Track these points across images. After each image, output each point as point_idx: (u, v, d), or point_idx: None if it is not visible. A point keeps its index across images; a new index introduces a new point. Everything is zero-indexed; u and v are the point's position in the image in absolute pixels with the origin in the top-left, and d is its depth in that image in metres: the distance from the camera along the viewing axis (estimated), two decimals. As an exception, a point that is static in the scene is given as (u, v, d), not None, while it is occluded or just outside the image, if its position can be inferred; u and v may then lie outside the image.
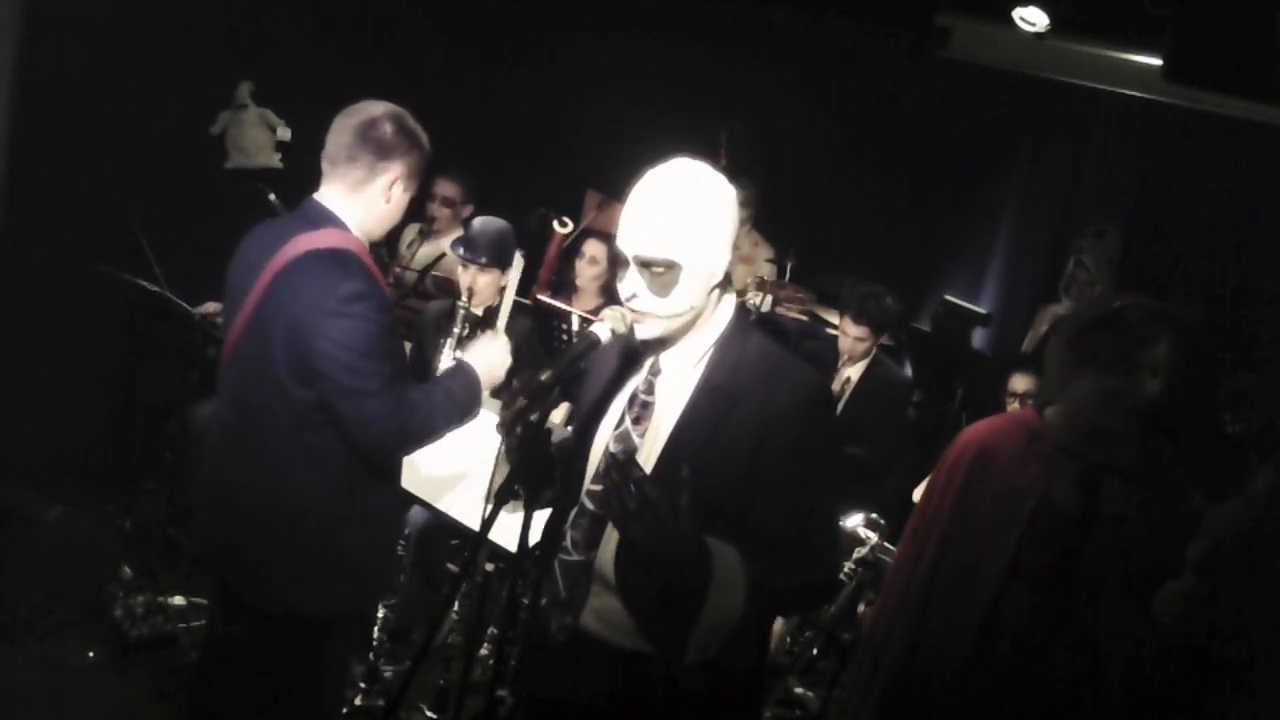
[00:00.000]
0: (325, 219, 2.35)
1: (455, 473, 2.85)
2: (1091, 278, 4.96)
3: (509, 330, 2.80)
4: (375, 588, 2.58)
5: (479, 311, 3.64)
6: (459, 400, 2.40)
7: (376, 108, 2.37)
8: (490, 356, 2.51)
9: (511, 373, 2.52)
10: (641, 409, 1.94)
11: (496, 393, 2.50)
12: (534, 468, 1.87)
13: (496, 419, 1.89)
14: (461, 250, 3.68)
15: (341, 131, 2.35)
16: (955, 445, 2.42)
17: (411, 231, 4.72)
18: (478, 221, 3.75)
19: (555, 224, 4.50)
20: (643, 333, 1.88)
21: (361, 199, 2.37)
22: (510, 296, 2.89)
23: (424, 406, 2.34)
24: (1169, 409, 2.21)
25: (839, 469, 2.00)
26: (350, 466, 2.33)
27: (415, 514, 3.58)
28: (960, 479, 2.35)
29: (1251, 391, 4.02)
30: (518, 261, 2.93)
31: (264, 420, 2.32)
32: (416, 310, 4.17)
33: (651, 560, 1.73)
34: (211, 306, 3.74)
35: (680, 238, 1.81)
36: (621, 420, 1.96)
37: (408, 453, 2.46)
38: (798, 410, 1.82)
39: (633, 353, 1.99)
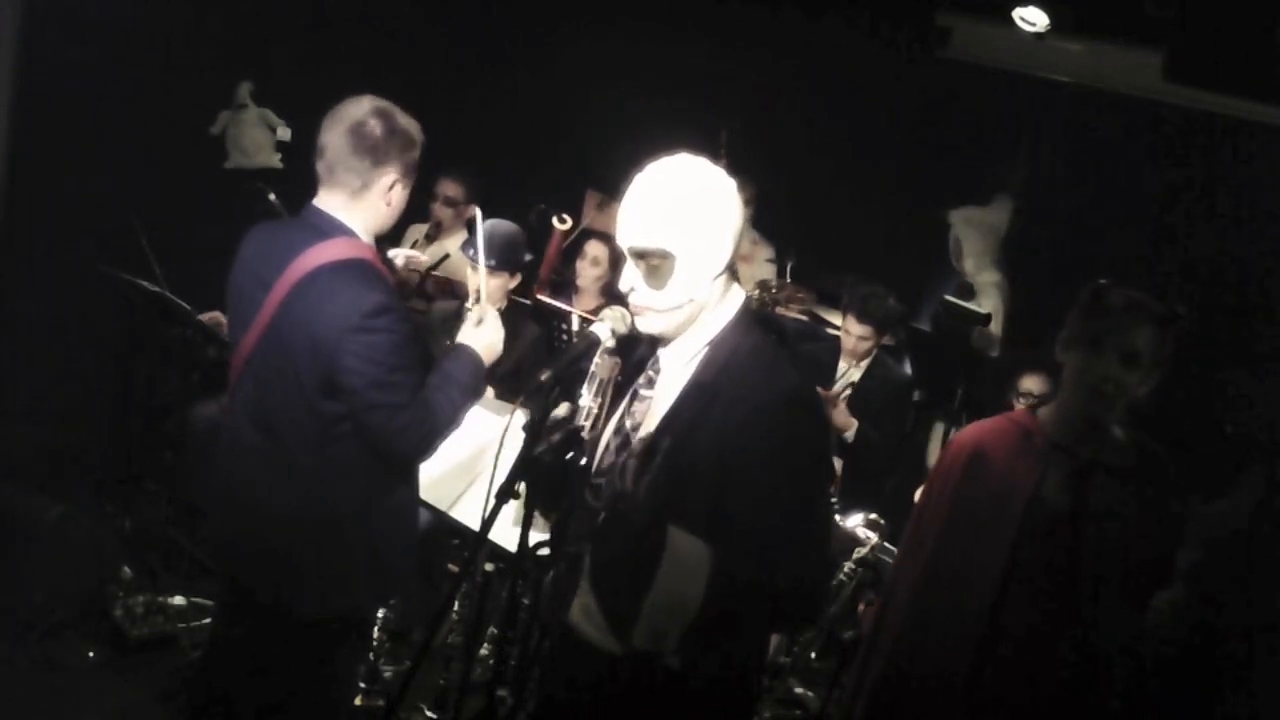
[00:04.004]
0: (334, 228, 2.33)
1: (456, 474, 2.85)
2: (974, 247, 5.15)
3: (517, 332, 2.78)
4: (403, 584, 2.60)
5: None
6: (471, 385, 2.43)
7: (361, 107, 2.34)
8: (485, 334, 2.51)
9: (516, 366, 2.53)
10: (639, 404, 1.96)
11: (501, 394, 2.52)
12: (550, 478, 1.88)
13: (499, 420, 1.89)
14: (471, 252, 3.69)
15: (332, 137, 2.33)
16: (950, 447, 2.43)
17: (415, 233, 4.71)
18: (488, 224, 3.75)
19: (555, 221, 4.49)
20: (643, 326, 1.90)
21: (363, 204, 2.36)
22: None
23: (445, 405, 2.35)
24: (1153, 404, 2.21)
25: (814, 476, 1.93)
26: (376, 471, 2.35)
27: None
28: (955, 480, 2.36)
29: (1251, 394, 4.02)
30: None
31: (289, 434, 2.32)
32: (420, 312, 4.17)
33: (607, 527, 1.73)
34: (211, 316, 3.72)
35: (674, 228, 1.81)
36: (623, 415, 1.98)
37: (432, 454, 2.47)
38: (769, 416, 1.78)
39: (650, 349, 2.01)
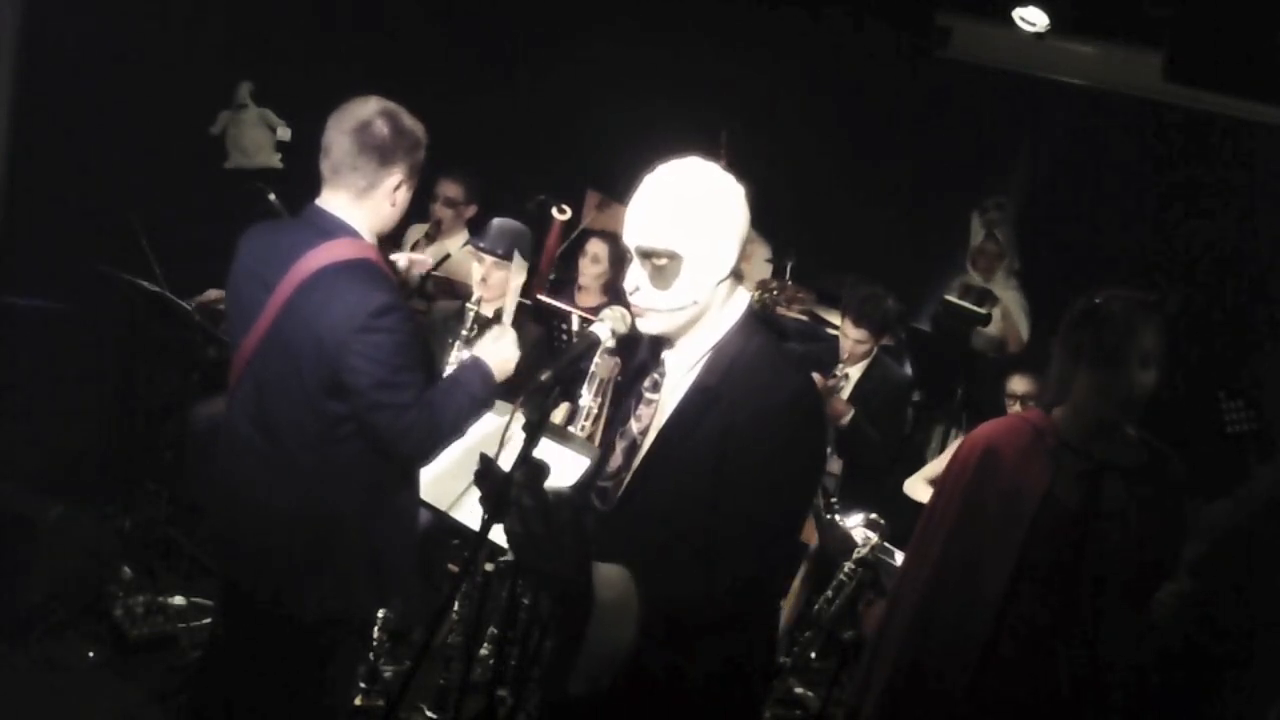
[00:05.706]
0: (338, 228, 2.33)
1: (456, 474, 2.85)
2: (1001, 249, 5.23)
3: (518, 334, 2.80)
4: (403, 584, 2.60)
5: (488, 312, 3.65)
6: (479, 397, 2.43)
7: (368, 107, 2.35)
8: (501, 351, 2.53)
9: (521, 372, 2.54)
10: (645, 407, 1.95)
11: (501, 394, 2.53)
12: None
13: (499, 420, 1.89)
14: (481, 243, 3.73)
15: (338, 137, 2.33)
16: (963, 445, 2.43)
17: (416, 233, 4.71)
18: (496, 220, 3.82)
19: (554, 211, 4.47)
20: (645, 327, 1.89)
21: (368, 205, 2.36)
22: (515, 293, 2.90)
23: (451, 410, 2.36)
24: (1153, 404, 2.22)
25: (807, 480, 1.92)
26: (376, 472, 2.36)
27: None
28: (967, 478, 2.36)
29: (1251, 392, 4.02)
30: (519, 261, 2.97)
31: (290, 435, 2.32)
32: (421, 311, 4.17)
33: (614, 529, 1.72)
34: (213, 294, 3.74)
35: (682, 229, 1.80)
36: (629, 418, 1.98)
37: (437, 455, 2.48)
38: (772, 419, 1.77)
39: (652, 352, 2.00)
